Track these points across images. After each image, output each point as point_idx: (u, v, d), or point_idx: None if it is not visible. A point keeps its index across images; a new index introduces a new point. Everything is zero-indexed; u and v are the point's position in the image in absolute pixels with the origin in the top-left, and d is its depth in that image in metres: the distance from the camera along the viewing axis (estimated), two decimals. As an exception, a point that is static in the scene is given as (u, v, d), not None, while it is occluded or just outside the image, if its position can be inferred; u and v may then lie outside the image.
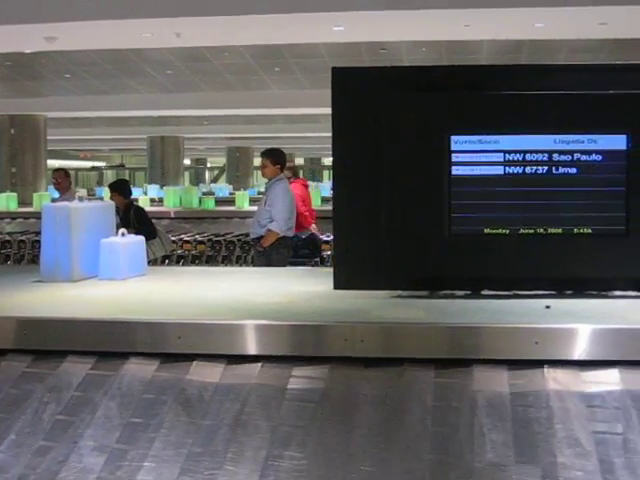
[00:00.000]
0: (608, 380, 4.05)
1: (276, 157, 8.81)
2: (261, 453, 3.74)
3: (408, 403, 3.96)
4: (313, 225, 10.80)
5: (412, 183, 5.20)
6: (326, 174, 61.26)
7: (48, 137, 24.65)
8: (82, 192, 22.41)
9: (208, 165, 62.78)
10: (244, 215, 17.92)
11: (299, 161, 56.76)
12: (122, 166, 55.64)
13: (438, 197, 5.15)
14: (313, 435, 3.82)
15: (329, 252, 12.69)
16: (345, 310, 4.77)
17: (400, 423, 3.85)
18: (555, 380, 4.05)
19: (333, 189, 5.38)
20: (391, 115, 5.22)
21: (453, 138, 5.15)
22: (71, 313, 4.78)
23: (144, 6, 10.77)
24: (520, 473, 3.58)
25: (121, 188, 9.99)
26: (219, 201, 21.59)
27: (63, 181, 10.80)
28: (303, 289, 5.62)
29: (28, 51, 15.26)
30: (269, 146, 10.07)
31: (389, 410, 3.93)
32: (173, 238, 13.16)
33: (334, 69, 5.33)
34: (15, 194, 20.76)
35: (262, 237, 8.57)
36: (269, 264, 8.07)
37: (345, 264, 5.31)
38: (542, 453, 3.66)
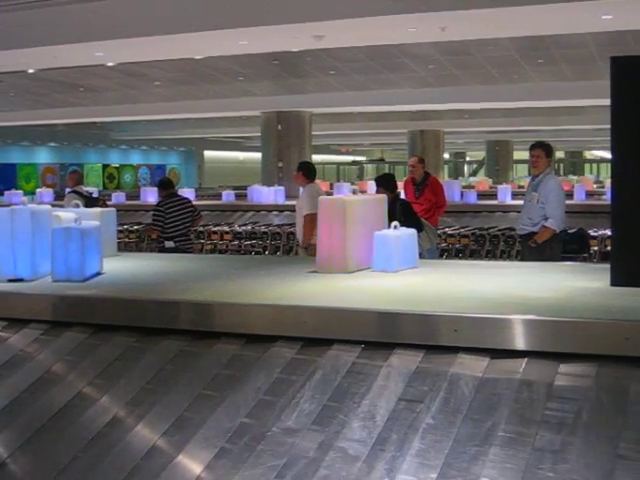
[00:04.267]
0: None
1: (548, 150, 8.71)
2: (529, 446, 3.68)
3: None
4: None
5: (698, 176, 4.96)
6: (587, 168, 59.75)
7: (312, 132, 25.38)
8: (346, 185, 22.90)
9: (467, 159, 62.68)
10: (506, 209, 17.75)
11: (559, 154, 55.62)
12: (382, 160, 56.45)
13: None
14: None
15: (596, 247, 12.40)
16: (626, 308, 4.62)
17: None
18: None
19: (612, 183, 5.22)
20: (675, 105, 5.01)
21: None
22: (346, 303, 4.91)
23: (410, 2, 10.85)
24: None
25: (386, 182, 10.10)
26: (480, 195, 21.46)
27: (298, 175, 10.51)
28: (577, 285, 5.50)
29: (295, 49, 15.75)
30: (529, 140, 9.92)
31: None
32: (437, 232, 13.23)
33: (614, 58, 5.18)
34: (282, 187, 21.49)
35: (533, 233, 8.46)
36: (542, 259, 7.95)
37: (624, 260, 5.14)
38: None
